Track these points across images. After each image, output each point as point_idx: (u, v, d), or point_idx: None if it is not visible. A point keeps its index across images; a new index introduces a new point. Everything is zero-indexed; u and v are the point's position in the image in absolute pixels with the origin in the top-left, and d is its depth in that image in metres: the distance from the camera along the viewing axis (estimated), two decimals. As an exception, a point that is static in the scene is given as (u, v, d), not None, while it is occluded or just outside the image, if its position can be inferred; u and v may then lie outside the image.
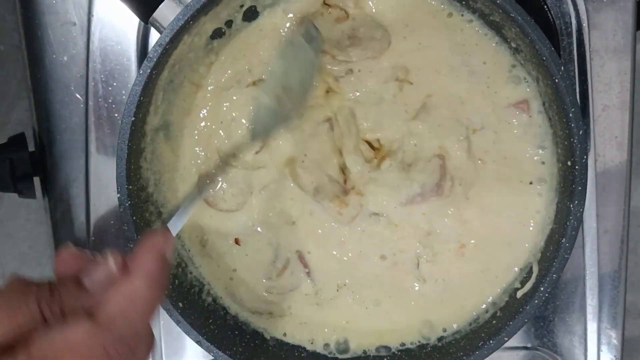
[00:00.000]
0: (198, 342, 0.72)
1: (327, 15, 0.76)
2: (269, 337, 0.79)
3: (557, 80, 0.67)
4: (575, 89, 0.81)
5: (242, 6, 0.74)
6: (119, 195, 0.69)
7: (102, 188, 0.82)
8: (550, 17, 0.80)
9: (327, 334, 0.79)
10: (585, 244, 0.83)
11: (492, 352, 0.72)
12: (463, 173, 0.76)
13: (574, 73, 0.81)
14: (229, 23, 0.75)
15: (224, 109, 0.76)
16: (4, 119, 1.19)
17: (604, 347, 0.85)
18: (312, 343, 0.79)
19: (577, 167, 0.69)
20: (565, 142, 0.70)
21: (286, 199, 0.77)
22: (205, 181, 0.68)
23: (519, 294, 0.74)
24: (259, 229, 0.78)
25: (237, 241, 0.78)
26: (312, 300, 0.79)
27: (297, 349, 0.79)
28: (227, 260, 0.79)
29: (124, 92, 0.81)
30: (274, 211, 0.78)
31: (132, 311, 0.53)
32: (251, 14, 0.75)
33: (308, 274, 0.79)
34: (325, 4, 0.75)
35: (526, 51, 0.71)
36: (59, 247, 0.56)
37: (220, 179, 0.76)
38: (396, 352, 0.79)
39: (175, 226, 0.61)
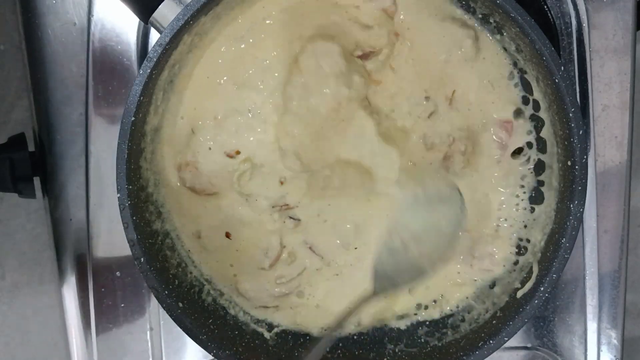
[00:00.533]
0: (198, 342, 0.72)
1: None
2: (268, 337, 0.79)
3: (557, 80, 0.67)
4: (575, 89, 0.81)
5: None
6: (119, 195, 0.69)
7: (102, 188, 0.82)
8: (550, 17, 0.80)
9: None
10: (585, 244, 0.84)
11: (492, 352, 0.72)
12: None
13: (574, 73, 0.81)
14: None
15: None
16: (4, 119, 1.19)
17: (604, 347, 0.85)
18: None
19: (577, 167, 0.69)
20: (565, 142, 0.70)
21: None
22: (330, 336, 0.70)
23: (519, 294, 0.74)
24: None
25: (227, 235, 0.78)
26: (328, 273, 0.79)
27: (297, 348, 0.79)
28: (223, 256, 0.79)
29: (124, 92, 0.80)
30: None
31: None
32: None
33: (311, 249, 0.78)
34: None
35: (526, 51, 0.71)
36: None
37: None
38: (397, 351, 0.79)
39: None
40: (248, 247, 0.78)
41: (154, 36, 0.80)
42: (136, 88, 0.67)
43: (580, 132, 0.68)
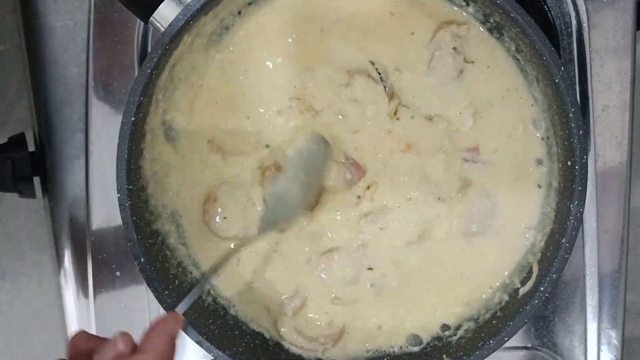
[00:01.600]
0: (198, 342, 0.72)
1: None
2: (269, 337, 0.79)
3: (557, 80, 0.67)
4: (575, 89, 0.81)
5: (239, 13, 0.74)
6: (119, 195, 0.69)
7: (102, 188, 0.82)
8: (550, 17, 0.80)
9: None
10: (585, 244, 0.83)
11: (492, 352, 0.72)
12: None
13: (574, 73, 0.81)
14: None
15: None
16: (4, 119, 1.19)
17: (604, 347, 0.85)
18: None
19: (577, 167, 0.69)
20: (565, 142, 0.70)
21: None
22: (211, 271, 0.73)
23: (519, 293, 0.74)
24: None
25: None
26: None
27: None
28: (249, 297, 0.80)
29: (124, 92, 0.80)
30: None
31: None
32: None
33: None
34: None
35: (526, 51, 0.71)
36: (74, 333, 0.60)
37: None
38: (397, 351, 0.79)
39: (182, 309, 0.67)
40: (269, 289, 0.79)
41: (154, 36, 0.80)
42: (136, 88, 0.67)
43: (580, 132, 0.68)
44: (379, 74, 0.75)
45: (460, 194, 0.76)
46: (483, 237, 0.77)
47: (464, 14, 0.74)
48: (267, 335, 0.79)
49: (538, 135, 0.75)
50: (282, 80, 0.76)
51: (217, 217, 0.77)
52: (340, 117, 0.76)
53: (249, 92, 0.76)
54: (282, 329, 0.78)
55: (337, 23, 0.75)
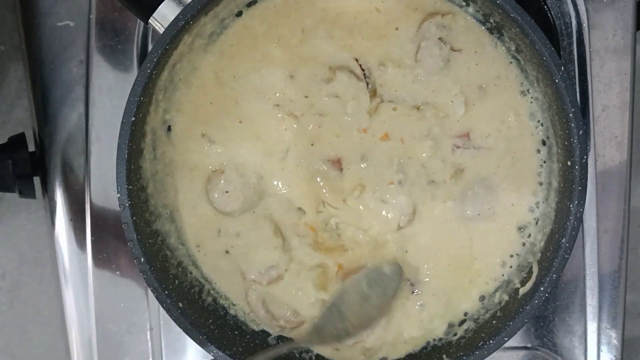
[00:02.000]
0: (198, 342, 0.72)
1: None
2: (268, 338, 0.79)
3: (557, 80, 0.67)
4: (575, 89, 0.81)
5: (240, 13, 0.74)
6: (119, 195, 0.69)
7: (102, 188, 0.82)
8: (550, 17, 0.80)
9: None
10: (585, 244, 0.84)
11: (492, 352, 0.72)
12: None
13: (574, 73, 0.81)
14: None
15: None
16: (4, 119, 1.19)
17: (604, 347, 0.85)
18: None
19: (577, 167, 0.69)
20: (565, 142, 0.70)
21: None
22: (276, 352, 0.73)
23: (520, 293, 0.74)
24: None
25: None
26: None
27: (297, 348, 0.79)
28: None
29: (124, 92, 0.80)
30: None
31: None
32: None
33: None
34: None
35: (526, 51, 0.71)
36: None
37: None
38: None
39: None
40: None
41: (154, 36, 0.80)
42: (136, 88, 0.67)
43: (580, 132, 0.68)
44: (363, 70, 0.75)
45: (453, 180, 0.76)
46: (479, 221, 0.77)
47: (449, 3, 0.74)
48: (226, 305, 0.79)
49: (534, 126, 0.76)
50: (267, 86, 0.76)
51: (219, 190, 0.76)
52: (319, 116, 0.76)
53: (240, 99, 0.76)
54: (249, 295, 0.78)
55: (322, 21, 0.75)
